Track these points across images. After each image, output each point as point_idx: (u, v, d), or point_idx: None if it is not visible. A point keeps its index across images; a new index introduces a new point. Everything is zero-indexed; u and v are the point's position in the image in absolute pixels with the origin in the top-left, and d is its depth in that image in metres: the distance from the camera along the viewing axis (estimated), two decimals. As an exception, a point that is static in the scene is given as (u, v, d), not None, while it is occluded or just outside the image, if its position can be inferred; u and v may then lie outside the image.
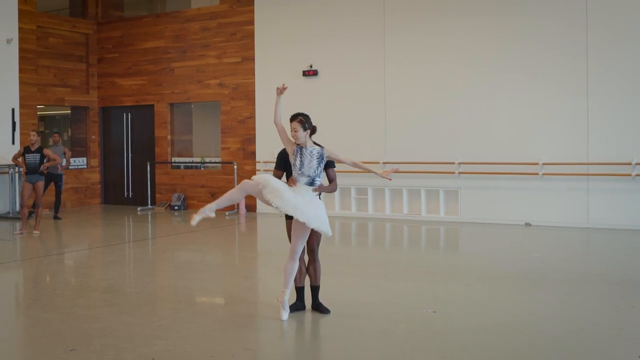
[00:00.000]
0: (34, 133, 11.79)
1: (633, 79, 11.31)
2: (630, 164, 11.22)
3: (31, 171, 11.60)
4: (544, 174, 11.88)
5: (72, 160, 15.62)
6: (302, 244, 5.99)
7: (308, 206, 5.72)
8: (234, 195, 5.94)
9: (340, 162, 6.09)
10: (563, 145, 11.78)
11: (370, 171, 6.33)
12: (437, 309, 6.35)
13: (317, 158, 5.92)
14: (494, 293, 7.11)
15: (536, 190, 11.98)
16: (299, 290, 6.36)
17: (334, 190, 6.26)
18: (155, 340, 5.41)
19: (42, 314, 6.47)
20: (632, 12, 11.38)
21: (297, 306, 6.30)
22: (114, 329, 5.75)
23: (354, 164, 6.17)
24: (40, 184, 11.59)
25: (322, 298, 6.37)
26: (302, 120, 6.00)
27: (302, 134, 5.96)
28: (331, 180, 6.19)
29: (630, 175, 11.21)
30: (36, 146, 11.65)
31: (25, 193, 11.66)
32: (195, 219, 5.90)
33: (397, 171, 6.46)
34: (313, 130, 6.04)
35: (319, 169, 5.92)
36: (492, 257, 9.32)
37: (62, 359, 5.04)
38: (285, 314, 5.97)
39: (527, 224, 11.95)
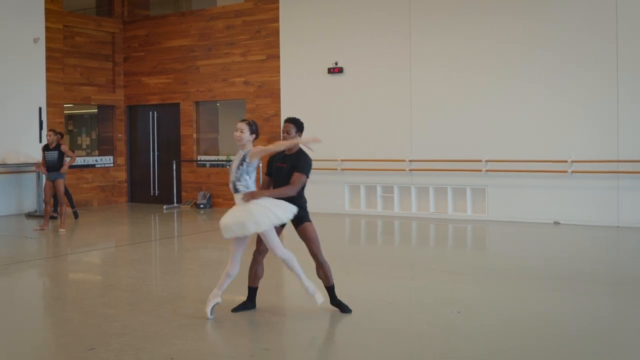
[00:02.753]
0: (50, 133, 12.06)
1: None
2: (662, 161, 10.96)
3: (50, 169, 11.89)
4: (572, 172, 11.65)
5: (99, 158, 15.80)
6: (238, 250, 5.91)
7: (242, 214, 5.65)
8: (231, 270, 5.89)
9: (268, 153, 5.98)
10: (592, 143, 11.54)
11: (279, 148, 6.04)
12: (462, 309, 6.22)
13: (239, 160, 5.76)
14: (521, 293, 6.95)
15: (565, 189, 11.75)
16: (251, 291, 6.24)
17: (282, 194, 5.84)
18: (175, 340, 5.37)
19: (62, 313, 6.48)
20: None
21: (245, 305, 6.20)
22: (133, 328, 5.72)
23: (274, 145, 6.01)
24: (60, 181, 11.77)
25: (347, 297, 6.26)
26: (250, 122, 5.94)
27: (247, 137, 5.84)
28: (291, 183, 5.87)
29: (662, 172, 10.96)
30: (54, 144, 11.89)
31: (47, 191, 11.95)
32: (208, 312, 5.89)
33: (317, 140, 5.87)
34: (257, 135, 5.98)
35: (239, 171, 5.74)
36: (520, 257, 9.15)
37: (81, 358, 5.01)
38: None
39: (556, 223, 11.73)
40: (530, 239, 10.73)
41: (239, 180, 5.74)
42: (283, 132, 6.11)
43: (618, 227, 11.25)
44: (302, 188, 6.03)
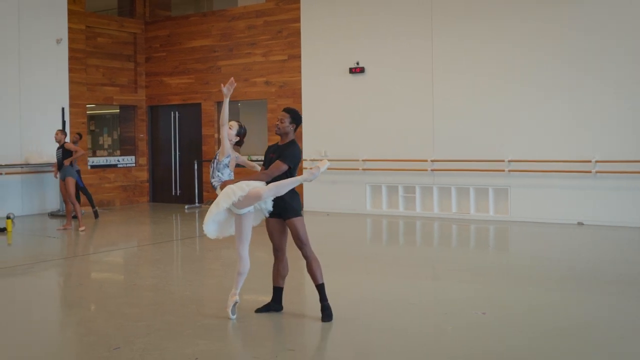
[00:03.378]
0: (57, 132, 12.37)
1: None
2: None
3: (59, 167, 12.26)
4: (597, 172, 11.52)
5: (121, 158, 15.93)
6: (242, 247, 5.98)
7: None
8: (241, 268, 5.95)
9: (226, 145, 6.11)
10: (617, 143, 11.40)
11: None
12: (487, 310, 6.16)
13: (213, 159, 6.17)
14: (545, 295, 6.88)
15: (589, 189, 11.62)
16: (276, 291, 6.20)
17: (254, 179, 5.84)
18: (198, 340, 5.37)
19: (87, 312, 6.51)
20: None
21: (270, 307, 6.17)
22: (157, 328, 5.73)
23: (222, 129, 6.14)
24: (69, 179, 12.02)
25: (369, 298, 6.23)
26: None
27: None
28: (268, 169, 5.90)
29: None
30: (61, 143, 12.22)
31: (62, 190, 12.33)
32: (229, 312, 5.92)
33: (232, 83, 6.04)
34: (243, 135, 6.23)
35: (211, 169, 6.10)
36: (544, 258, 9.05)
37: (105, 357, 5.03)
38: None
39: (580, 223, 11.60)
40: (553, 239, 10.63)
41: (212, 177, 6.01)
42: (277, 120, 6.04)
43: (643, 228, 11.11)
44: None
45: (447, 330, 5.61)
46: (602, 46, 11.53)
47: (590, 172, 11.56)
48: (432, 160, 13.08)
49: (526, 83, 12.19)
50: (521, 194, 12.27)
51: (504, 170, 12.36)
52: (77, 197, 13.07)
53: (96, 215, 13.65)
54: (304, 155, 14.70)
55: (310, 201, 14.54)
